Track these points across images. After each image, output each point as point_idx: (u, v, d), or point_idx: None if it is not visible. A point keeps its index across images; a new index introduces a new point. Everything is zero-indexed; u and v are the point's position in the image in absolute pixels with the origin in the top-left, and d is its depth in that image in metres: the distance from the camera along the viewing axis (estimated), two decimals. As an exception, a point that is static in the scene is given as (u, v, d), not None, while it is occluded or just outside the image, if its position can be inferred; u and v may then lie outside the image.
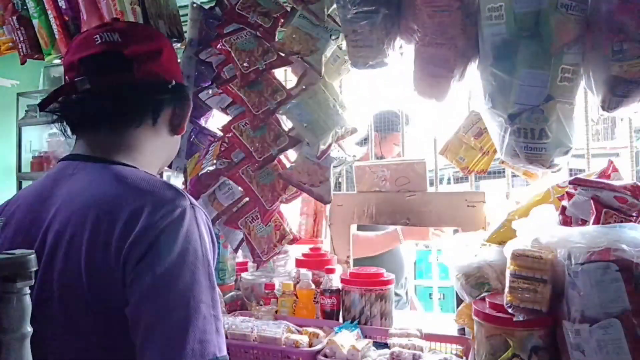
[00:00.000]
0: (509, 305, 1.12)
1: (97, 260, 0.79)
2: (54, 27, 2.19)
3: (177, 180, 2.08)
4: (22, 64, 2.34)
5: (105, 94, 0.92)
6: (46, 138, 3.02)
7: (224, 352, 0.75)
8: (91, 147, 0.95)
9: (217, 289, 0.80)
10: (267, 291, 1.75)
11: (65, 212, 0.85)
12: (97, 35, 0.94)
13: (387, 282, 1.61)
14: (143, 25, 1.28)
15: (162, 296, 0.74)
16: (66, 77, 0.97)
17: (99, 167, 0.90)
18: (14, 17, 2.26)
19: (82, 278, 0.79)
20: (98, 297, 0.79)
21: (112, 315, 0.79)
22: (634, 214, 1.12)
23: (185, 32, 2.05)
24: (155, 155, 1.00)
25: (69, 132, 1.00)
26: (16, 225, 0.91)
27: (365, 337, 1.49)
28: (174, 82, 1.00)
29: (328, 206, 1.97)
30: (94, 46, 0.93)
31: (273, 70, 1.78)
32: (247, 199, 1.78)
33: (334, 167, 1.73)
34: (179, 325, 0.72)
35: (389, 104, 2.36)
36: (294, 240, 1.84)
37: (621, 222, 1.09)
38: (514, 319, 1.11)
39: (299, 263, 1.84)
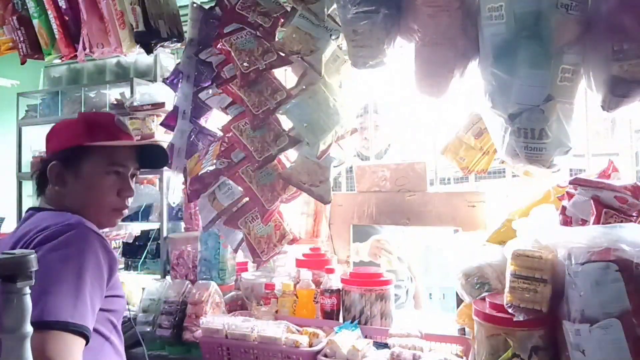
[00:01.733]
0: (509, 305, 1.12)
1: None
2: (54, 27, 2.19)
3: (177, 180, 2.08)
4: (22, 64, 2.34)
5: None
6: (46, 138, 3.02)
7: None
8: (42, 200, 1.28)
9: (89, 284, 1.01)
10: (267, 291, 1.75)
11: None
12: None
13: (387, 282, 1.61)
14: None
15: (43, 278, 0.92)
16: None
17: (40, 213, 1.20)
18: (14, 17, 2.26)
19: None
20: None
21: None
22: (634, 214, 1.12)
23: (185, 32, 2.05)
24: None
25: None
26: None
27: (365, 337, 1.49)
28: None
29: (328, 206, 1.97)
30: None
31: (273, 70, 1.78)
32: (246, 198, 1.78)
33: (334, 167, 1.73)
34: (41, 296, 0.93)
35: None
36: (294, 240, 1.84)
37: (621, 222, 1.09)
38: (514, 319, 1.11)
39: (299, 263, 1.84)
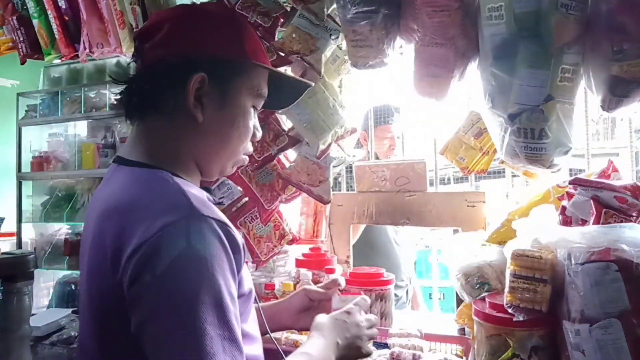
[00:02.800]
0: (509, 305, 1.12)
1: (98, 274, 0.78)
2: (54, 27, 2.19)
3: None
4: (22, 64, 2.34)
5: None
6: (46, 138, 3.02)
7: None
8: (126, 145, 0.90)
9: (230, 306, 0.72)
10: (267, 291, 1.75)
11: (89, 222, 0.85)
12: None
13: (387, 282, 1.61)
14: None
15: (163, 319, 0.69)
16: None
17: (121, 172, 0.85)
18: (14, 17, 2.26)
19: (90, 293, 0.81)
20: (102, 314, 0.79)
21: (112, 328, 0.77)
22: (634, 214, 1.12)
23: (185, 32, 2.05)
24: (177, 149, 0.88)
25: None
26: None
27: (365, 337, 1.49)
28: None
29: (328, 206, 1.98)
30: None
31: (273, 70, 1.78)
32: (246, 198, 1.78)
33: (334, 166, 1.73)
34: (184, 348, 0.67)
35: (380, 98, 2.33)
36: (294, 240, 1.84)
37: (621, 222, 1.09)
38: (514, 319, 1.11)
39: (299, 263, 1.84)
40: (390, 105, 2.34)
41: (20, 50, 2.29)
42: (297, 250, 1.92)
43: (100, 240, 0.76)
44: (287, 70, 1.97)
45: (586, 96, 1.54)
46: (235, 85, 0.89)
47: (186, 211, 0.74)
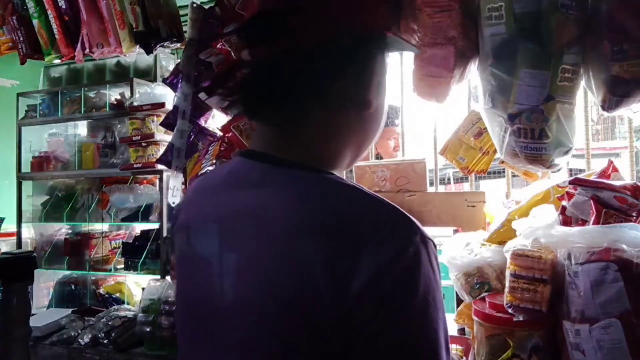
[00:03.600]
0: (509, 305, 1.12)
1: (297, 307, 0.61)
2: (54, 27, 2.20)
3: (177, 180, 2.08)
4: (22, 64, 2.35)
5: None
6: (46, 138, 3.02)
7: None
8: (270, 140, 0.72)
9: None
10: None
11: (255, 234, 0.65)
12: None
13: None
14: None
15: (408, 356, 0.60)
16: None
17: (282, 176, 0.68)
18: (14, 17, 2.26)
19: (274, 328, 0.63)
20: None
21: None
22: (634, 214, 1.12)
23: (185, 32, 2.05)
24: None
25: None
26: (186, 237, 0.75)
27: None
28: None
29: (328, 206, 1.97)
30: None
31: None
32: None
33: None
34: None
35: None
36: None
37: (621, 222, 1.09)
38: (514, 319, 1.11)
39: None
40: (396, 106, 2.35)
41: (20, 50, 2.29)
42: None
43: (292, 264, 0.61)
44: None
45: (586, 96, 1.54)
46: (385, 66, 0.75)
47: (413, 233, 0.62)
